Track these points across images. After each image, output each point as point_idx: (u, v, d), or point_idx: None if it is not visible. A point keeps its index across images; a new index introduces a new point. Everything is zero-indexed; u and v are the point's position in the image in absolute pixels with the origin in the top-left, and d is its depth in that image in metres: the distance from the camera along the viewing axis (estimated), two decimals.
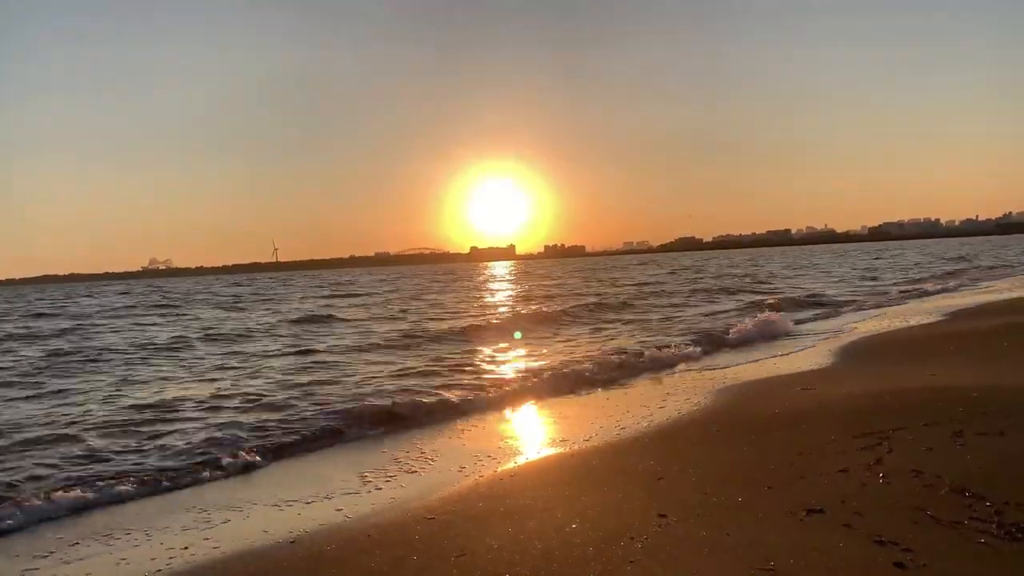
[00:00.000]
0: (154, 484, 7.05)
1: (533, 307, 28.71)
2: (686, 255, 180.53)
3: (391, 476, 7.00)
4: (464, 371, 13.10)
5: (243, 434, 8.63)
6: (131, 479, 7.08)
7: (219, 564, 5.00)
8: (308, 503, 6.27)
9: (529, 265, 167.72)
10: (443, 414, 9.73)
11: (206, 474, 7.38)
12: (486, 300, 36.36)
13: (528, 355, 15.24)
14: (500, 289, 48.77)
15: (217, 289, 73.28)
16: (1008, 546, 4.12)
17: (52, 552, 5.50)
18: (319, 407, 9.96)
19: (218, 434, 8.69)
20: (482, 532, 5.10)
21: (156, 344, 20.24)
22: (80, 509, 6.48)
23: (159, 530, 5.82)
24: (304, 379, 12.77)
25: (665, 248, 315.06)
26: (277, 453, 8.06)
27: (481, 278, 76.31)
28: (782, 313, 19.09)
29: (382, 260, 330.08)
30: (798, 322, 18.83)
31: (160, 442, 8.56)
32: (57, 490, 6.78)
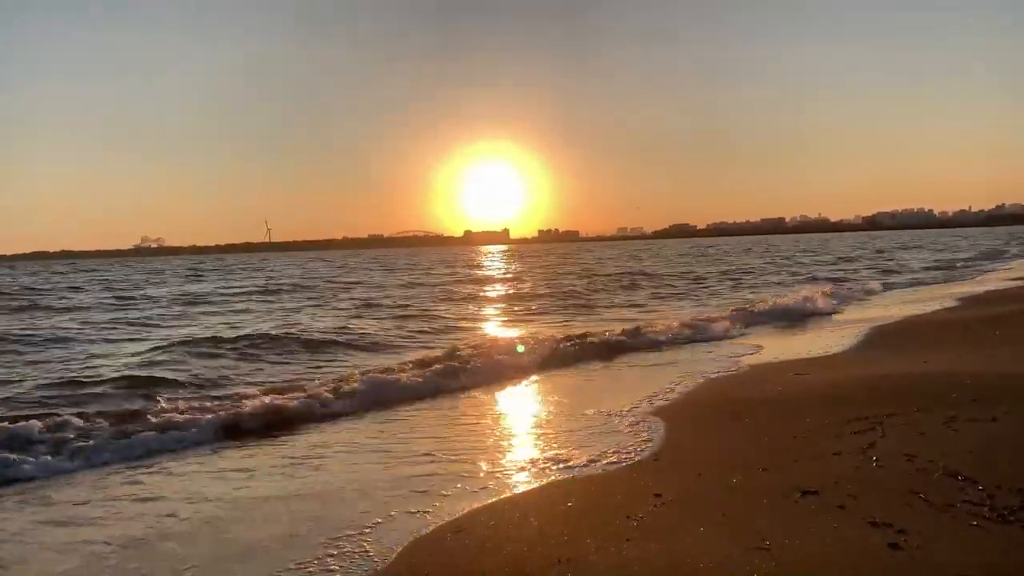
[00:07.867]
0: None
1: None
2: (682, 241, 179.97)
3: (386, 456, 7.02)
4: None
5: None
6: None
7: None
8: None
9: (524, 249, 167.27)
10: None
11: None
12: None
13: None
14: None
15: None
16: (1000, 528, 4.16)
17: None
18: None
19: None
20: (479, 509, 5.12)
21: None
22: None
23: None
24: None
25: (659, 235, 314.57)
26: None
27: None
28: None
29: (376, 242, 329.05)
30: None
31: None
32: None
